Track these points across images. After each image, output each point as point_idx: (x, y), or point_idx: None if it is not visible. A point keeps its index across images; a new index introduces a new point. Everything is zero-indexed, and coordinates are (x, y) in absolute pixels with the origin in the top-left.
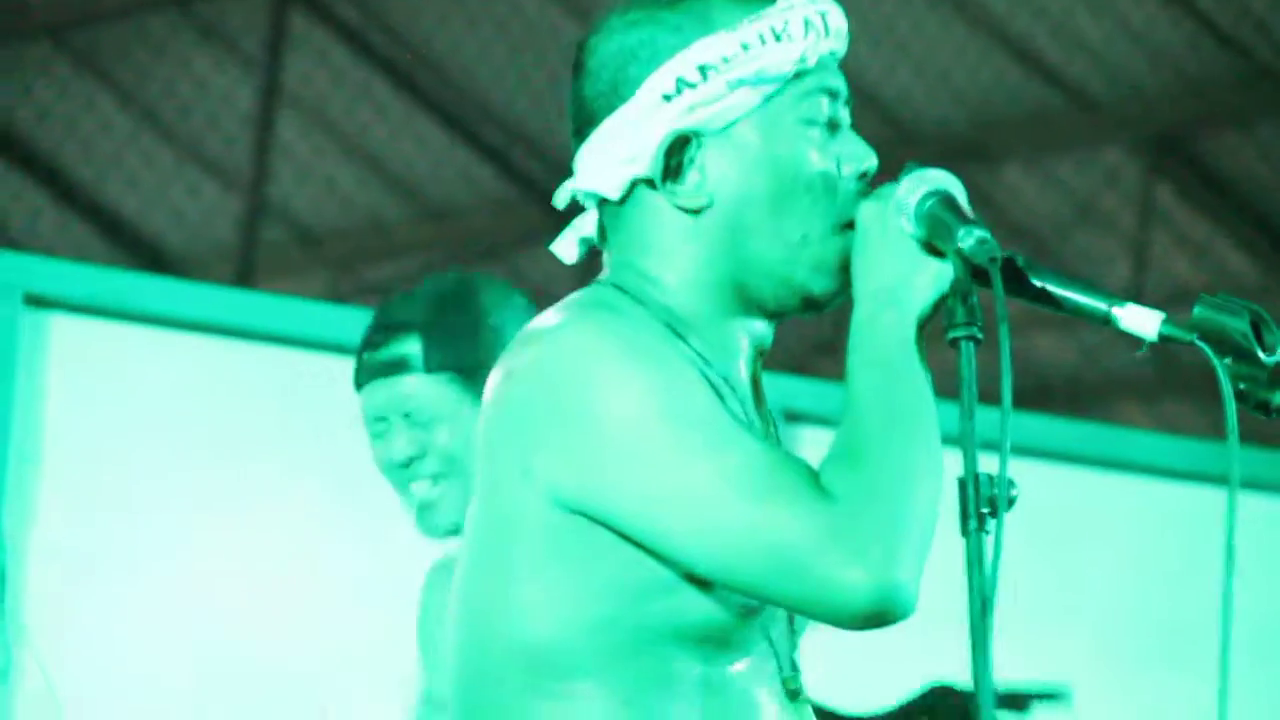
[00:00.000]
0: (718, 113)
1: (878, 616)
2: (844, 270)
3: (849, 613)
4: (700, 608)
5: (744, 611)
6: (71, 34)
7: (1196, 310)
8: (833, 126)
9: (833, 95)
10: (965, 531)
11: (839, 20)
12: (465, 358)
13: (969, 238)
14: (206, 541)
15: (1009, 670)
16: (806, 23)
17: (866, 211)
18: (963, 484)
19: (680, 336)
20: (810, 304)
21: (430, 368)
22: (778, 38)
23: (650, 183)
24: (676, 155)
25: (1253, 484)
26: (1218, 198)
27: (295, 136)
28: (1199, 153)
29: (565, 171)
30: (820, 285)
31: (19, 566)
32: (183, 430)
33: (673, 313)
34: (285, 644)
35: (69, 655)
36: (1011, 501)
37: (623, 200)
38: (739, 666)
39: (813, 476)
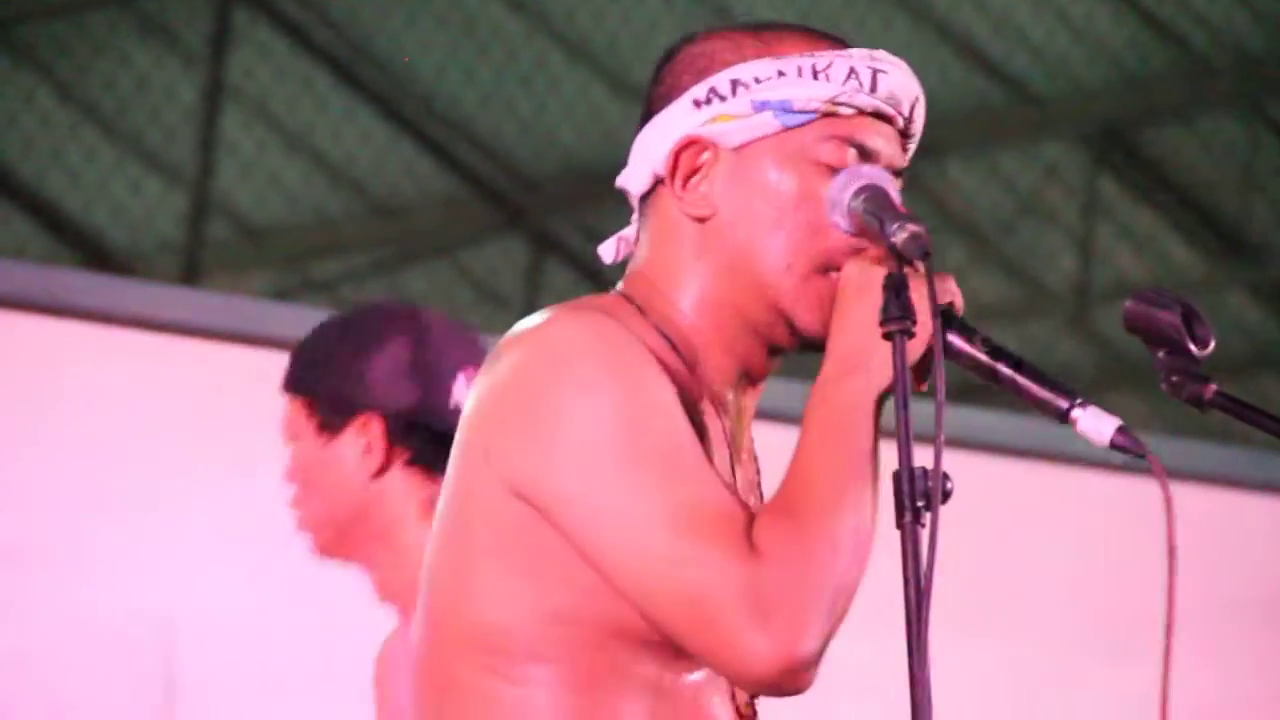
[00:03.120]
0: (737, 129)
1: (772, 686)
2: (828, 311)
3: (745, 675)
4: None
5: None
6: (10, 29)
7: (1129, 304)
8: None
9: (864, 153)
10: (900, 524)
11: (896, 84)
12: (316, 386)
13: (901, 232)
14: (147, 540)
15: (952, 663)
16: (851, 71)
17: (851, 269)
18: (897, 477)
19: (676, 351)
20: (797, 336)
21: (288, 387)
22: (815, 75)
23: (665, 184)
24: (689, 159)
25: (1195, 477)
26: (1161, 191)
27: (239, 132)
28: (1141, 146)
29: (510, 168)
30: (802, 318)
31: None
32: (126, 427)
33: (675, 326)
34: (223, 645)
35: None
36: (947, 495)
37: (646, 198)
38: (693, 676)
39: (748, 531)
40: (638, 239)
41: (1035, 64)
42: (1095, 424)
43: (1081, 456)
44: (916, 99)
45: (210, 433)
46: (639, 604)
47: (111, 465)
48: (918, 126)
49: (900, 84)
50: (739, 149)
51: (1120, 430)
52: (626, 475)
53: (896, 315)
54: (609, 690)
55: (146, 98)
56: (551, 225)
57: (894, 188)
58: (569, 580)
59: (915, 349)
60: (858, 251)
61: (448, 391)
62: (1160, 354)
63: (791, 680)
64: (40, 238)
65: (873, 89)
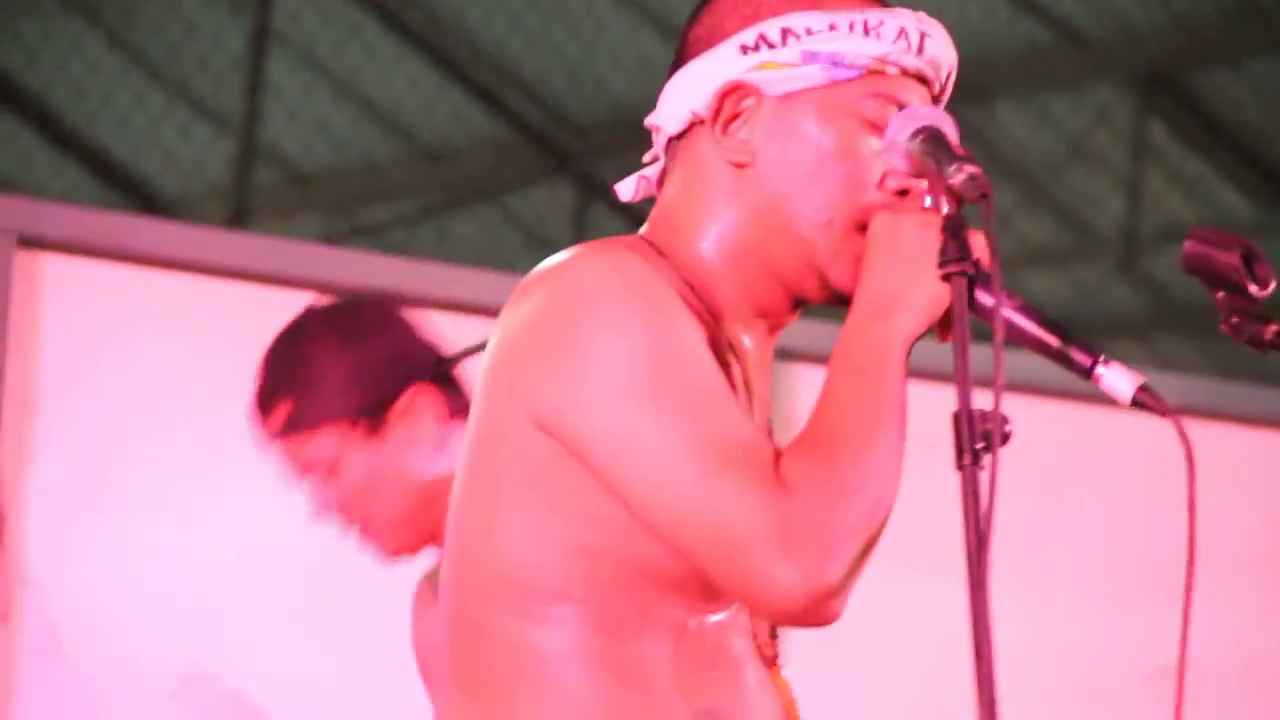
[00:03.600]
0: (784, 78)
1: (800, 617)
2: (859, 269)
3: (773, 606)
4: (676, 554)
5: None
6: None
7: (1188, 245)
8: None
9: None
10: (960, 466)
11: (939, 49)
12: (346, 405)
13: (959, 174)
14: (201, 481)
15: (1002, 605)
16: (901, 31)
17: (880, 221)
18: (957, 419)
19: (695, 295)
20: (826, 289)
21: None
22: (866, 31)
23: (705, 126)
24: (732, 104)
25: (1247, 419)
26: (1210, 135)
27: (286, 78)
28: (1190, 90)
29: (557, 113)
30: (837, 274)
31: (17, 509)
32: (176, 370)
33: (695, 270)
34: (286, 582)
35: (69, 597)
36: (1006, 437)
37: (680, 138)
38: (718, 619)
39: (775, 464)
40: (662, 181)
41: (1083, 6)
42: (1118, 382)
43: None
44: (952, 67)
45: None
46: (667, 538)
47: (161, 406)
48: (947, 95)
49: (942, 50)
50: (783, 98)
51: (1142, 389)
52: (653, 409)
53: (955, 257)
54: (633, 631)
55: (194, 44)
56: (598, 170)
57: (952, 129)
58: (597, 517)
59: (942, 302)
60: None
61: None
62: (1219, 295)
63: (819, 611)
64: (90, 184)
65: (919, 51)
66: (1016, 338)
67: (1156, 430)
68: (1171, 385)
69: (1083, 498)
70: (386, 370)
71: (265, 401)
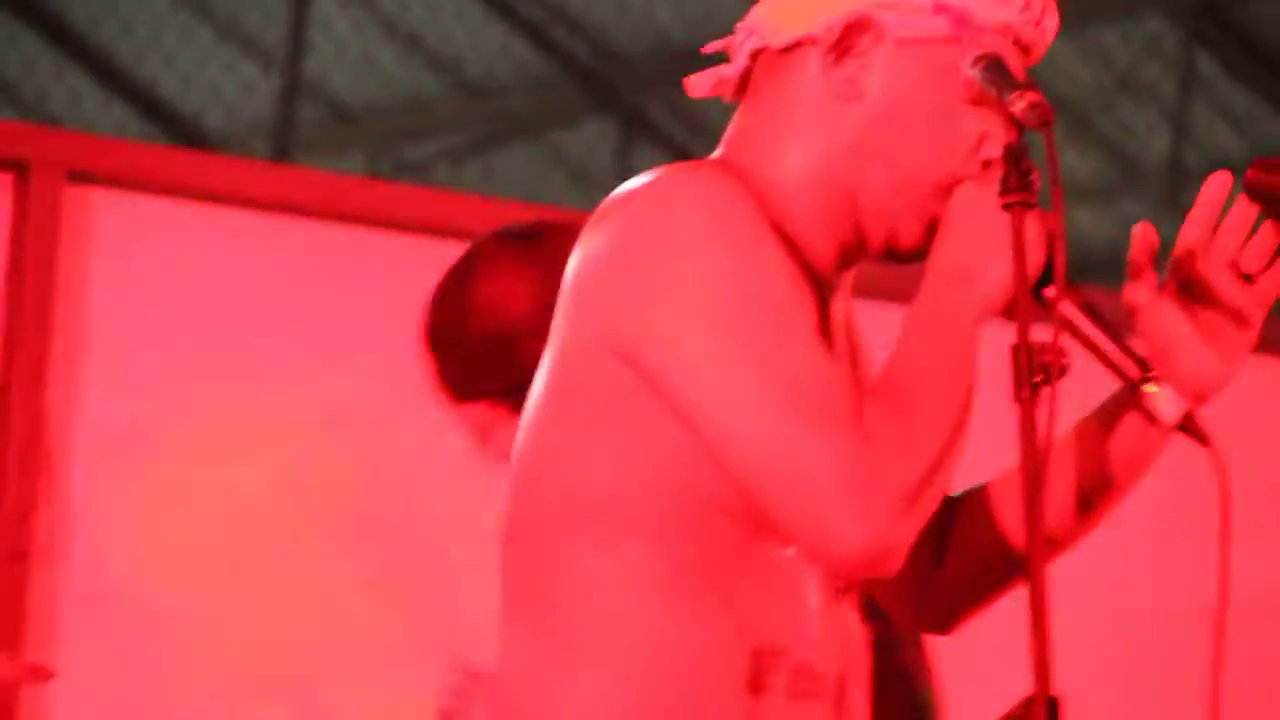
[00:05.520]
0: (909, 23)
1: (859, 569)
2: (932, 232)
3: (834, 557)
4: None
5: None
6: None
7: (1250, 173)
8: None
9: None
10: (1019, 399)
11: (1052, 25)
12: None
13: (1020, 101)
14: (251, 419)
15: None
16: (1029, 3)
17: (965, 190)
18: (1016, 351)
19: (777, 221)
20: (893, 246)
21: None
22: (996, 0)
23: (817, 49)
24: (854, 36)
25: None
26: (1259, 67)
27: (332, 13)
28: (1239, 21)
29: (606, 50)
30: (910, 231)
31: (65, 445)
32: (224, 304)
33: (780, 194)
34: (326, 516)
35: (116, 535)
36: (1064, 370)
37: (783, 55)
38: (789, 553)
39: (855, 411)
40: (744, 93)
41: None
42: (1165, 404)
43: None
44: (1056, 29)
45: (305, 310)
46: (738, 474)
47: (210, 340)
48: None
49: (1054, 27)
50: (902, 42)
51: (1187, 416)
52: (734, 345)
53: (1017, 187)
54: (704, 563)
55: None
56: (643, 106)
57: (1014, 56)
58: (673, 449)
59: (1006, 287)
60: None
61: None
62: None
63: (879, 565)
64: (138, 120)
65: (1039, 22)
66: (1072, 334)
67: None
68: None
69: None
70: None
71: (454, 360)
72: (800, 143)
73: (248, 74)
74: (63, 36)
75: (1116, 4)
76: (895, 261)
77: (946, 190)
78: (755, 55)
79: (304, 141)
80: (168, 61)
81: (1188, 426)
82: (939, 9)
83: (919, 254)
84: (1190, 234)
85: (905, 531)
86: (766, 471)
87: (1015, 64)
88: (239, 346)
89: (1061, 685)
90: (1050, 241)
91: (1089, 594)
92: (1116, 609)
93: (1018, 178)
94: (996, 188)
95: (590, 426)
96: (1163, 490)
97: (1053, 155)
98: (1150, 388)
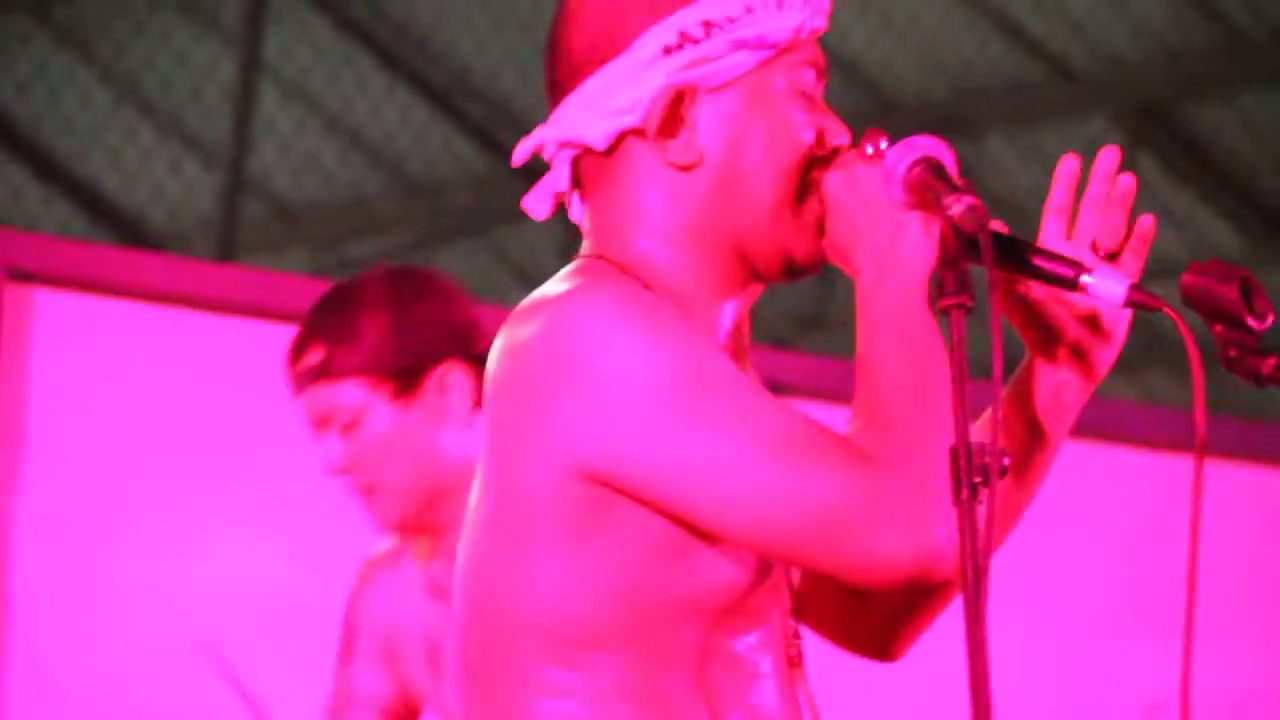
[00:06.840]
0: (716, 71)
1: (921, 578)
2: (819, 234)
3: (892, 575)
4: (719, 571)
5: (760, 572)
6: (50, 8)
7: (1186, 277)
8: (812, 100)
9: (818, 71)
10: (958, 501)
11: (826, 6)
12: (378, 358)
13: (958, 205)
14: (191, 514)
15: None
16: None
17: (834, 179)
18: (954, 453)
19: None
20: (792, 268)
21: (331, 374)
22: (779, 5)
23: (640, 135)
24: (672, 110)
25: (1242, 455)
26: (1200, 169)
27: (276, 111)
28: (1181, 123)
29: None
30: (803, 245)
31: (4, 541)
32: (166, 403)
33: (661, 276)
34: (276, 618)
35: (55, 630)
36: (1003, 471)
37: (609, 153)
38: (746, 635)
39: (846, 440)
40: (587, 196)
41: (1075, 40)
42: (1107, 286)
43: (1127, 436)
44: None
45: (246, 408)
46: (762, 543)
47: (151, 439)
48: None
49: (825, 6)
50: (716, 90)
51: (1133, 288)
52: (708, 422)
53: (955, 290)
54: (669, 664)
55: (185, 76)
56: None
57: (951, 159)
58: (634, 554)
59: (933, 236)
60: (823, 163)
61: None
62: (1217, 328)
63: (932, 569)
64: (80, 217)
65: (817, 11)
66: (1005, 268)
67: (1155, 468)
68: (1160, 420)
69: (1082, 532)
70: (428, 337)
71: (300, 347)
72: (663, 220)
73: (191, 172)
74: (5, 132)
75: (1058, 106)
76: (803, 276)
77: (814, 189)
78: (576, 161)
79: (246, 240)
80: (110, 159)
81: (1138, 300)
82: (736, 46)
83: (819, 262)
84: (1052, 223)
85: (944, 527)
86: (790, 525)
87: (818, 56)
88: (180, 444)
89: None
90: (979, 220)
91: (1034, 691)
92: (1064, 705)
93: (955, 282)
94: (857, 168)
95: (549, 547)
96: (1112, 584)
97: (990, 260)
98: (1087, 278)
